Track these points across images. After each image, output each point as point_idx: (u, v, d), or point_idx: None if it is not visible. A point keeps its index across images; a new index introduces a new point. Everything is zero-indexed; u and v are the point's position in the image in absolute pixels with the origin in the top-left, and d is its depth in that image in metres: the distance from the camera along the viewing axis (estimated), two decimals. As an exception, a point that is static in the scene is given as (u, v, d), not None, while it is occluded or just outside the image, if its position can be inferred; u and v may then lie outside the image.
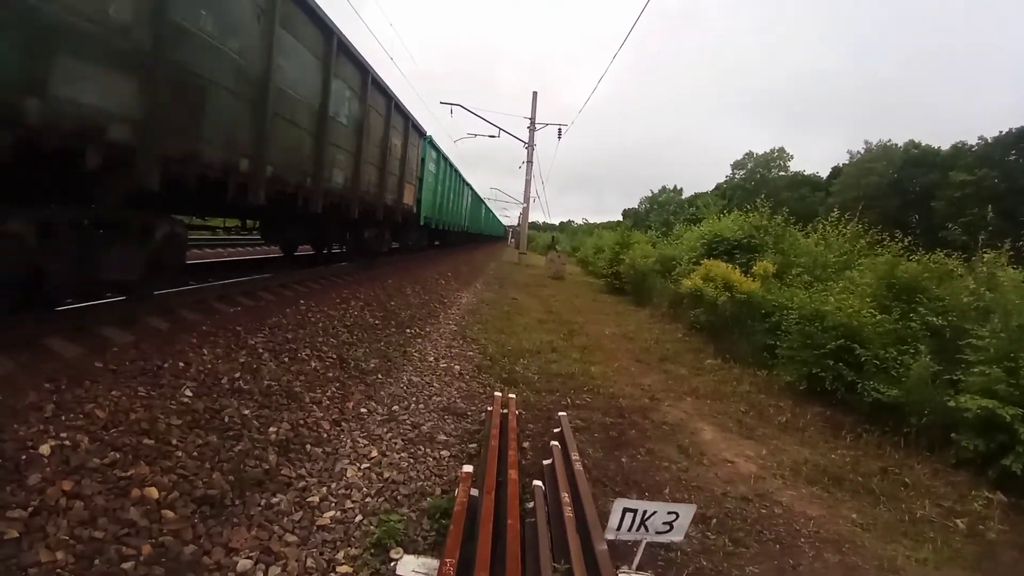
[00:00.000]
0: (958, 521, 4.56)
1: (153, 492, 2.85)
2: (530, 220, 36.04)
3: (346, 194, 8.10)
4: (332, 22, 6.45)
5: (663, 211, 71.04)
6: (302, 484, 3.61)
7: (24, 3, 2.75)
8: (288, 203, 6.37)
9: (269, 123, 5.35)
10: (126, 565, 2.43)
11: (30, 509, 2.41)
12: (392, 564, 2.97)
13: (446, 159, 17.44)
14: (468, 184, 26.20)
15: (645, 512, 3.05)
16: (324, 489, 3.63)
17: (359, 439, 4.47)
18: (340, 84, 7.18)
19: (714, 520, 4.04)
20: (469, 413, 5.55)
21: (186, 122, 4.21)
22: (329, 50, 6.60)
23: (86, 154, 3.27)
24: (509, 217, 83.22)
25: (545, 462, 4.32)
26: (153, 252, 4.64)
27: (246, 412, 4.03)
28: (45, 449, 2.72)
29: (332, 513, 3.38)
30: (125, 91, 3.50)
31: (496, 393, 5.90)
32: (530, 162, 31.77)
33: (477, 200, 35.09)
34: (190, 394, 3.85)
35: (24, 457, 2.63)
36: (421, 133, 13.18)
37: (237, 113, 4.89)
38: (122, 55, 3.43)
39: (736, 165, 79.38)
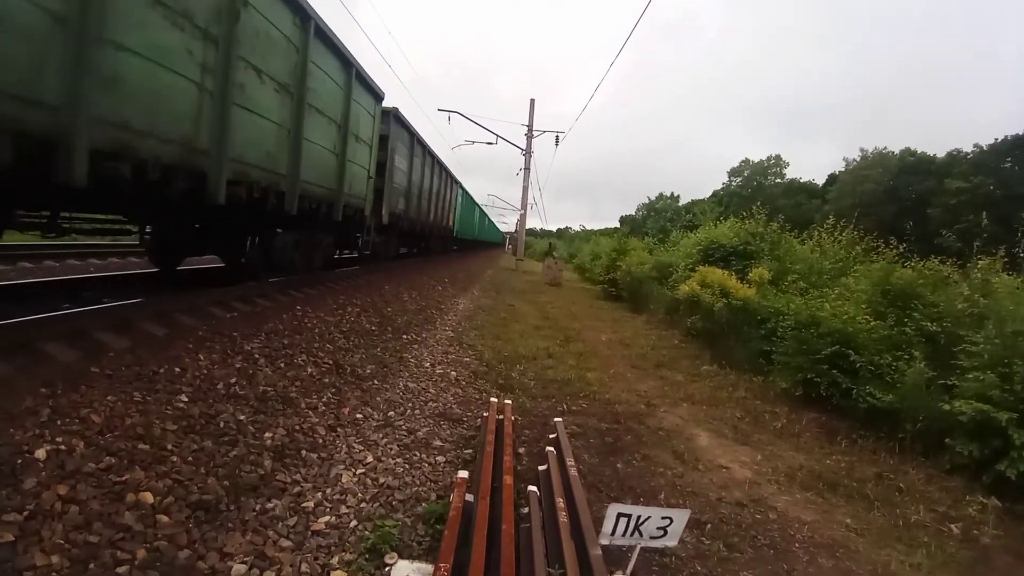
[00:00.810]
0: (952, 526, 4.58)
1: (148, 497, 2.85)
2: (527, 227, 36.10)
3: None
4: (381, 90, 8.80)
5: (660, 218, 71.25)
6: (297, 489, 3.61)
7: None
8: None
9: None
10: (121, 569, 2.43)
11: (25, 513, 2.42)
12: (387, 569, 2.97)
13: (466, 193, 21.05)
14: (477, 204, 29.10)
15: (639, 517, 3.06)
16: (319, 494, 3.62)
17: (355, 444, 4.47)
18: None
19: (709, 525, 4.05)
20: (465, 419, 5.56)
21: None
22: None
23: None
24: (507, 224, 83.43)
25: (540, 468, 4.33)
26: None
27: (242, 417, 4.04)
28: (41, 453, 2.73)
29: (327, 518, 3.37)
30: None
31: (492, 399, 5.90)
32: (527, 169, 31.83)
33: (482, 212, 41.98)
34: (186, 399, 3.86)
35: (20, 461, 2.64)
36: (455, 179, 16.19)
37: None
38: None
39: (733, 172, 79.69)
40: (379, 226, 11.93)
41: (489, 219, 60.03)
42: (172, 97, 4.39)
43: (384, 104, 10.60)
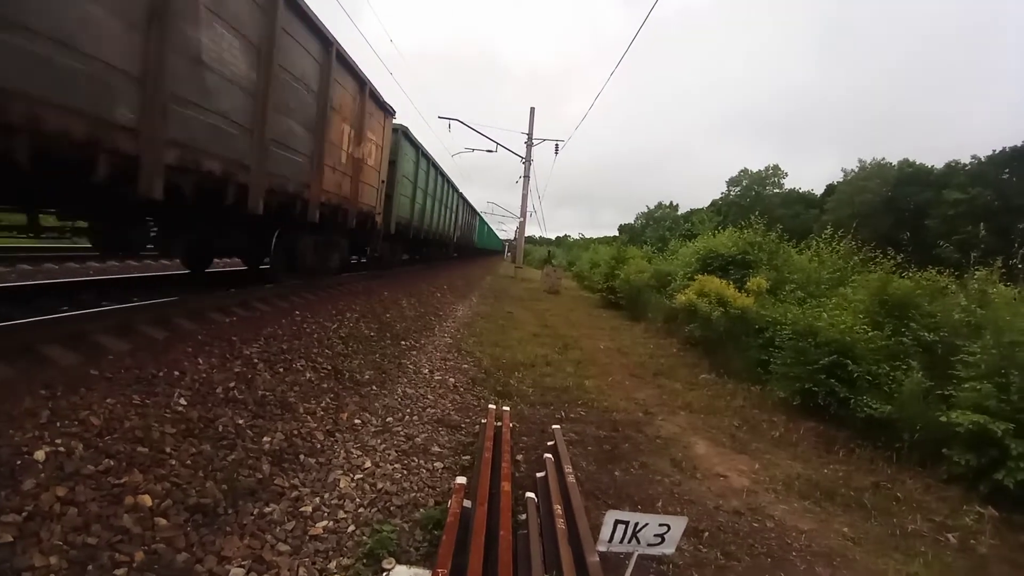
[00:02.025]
0: (949, 535, 4.58)
1: (147, 500, 2.85)
2: (526, 234, 36.17)
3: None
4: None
5: (659, 227, 71.43)
6: (295, 494, 3.62)
7: None
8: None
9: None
10: (119, 571, 2.44)
11: (24, 514, 2.42)
12: (384, 574, 2.97)
13: (473, 209, 23.15)
14: (478, 212, 38.48)
15: (637, 524, 3.06)
16: (317, 499, 3.63)
17: (353, 450, 4.47)
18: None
19: (706, 533, 4.05)
20: (463, 425, 5.56)
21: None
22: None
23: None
24: (506, 231, 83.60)
25: (538, 474, 4.34)
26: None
27: (240, 421, 4.04)
28: (40, 455, 2.74)
29: (325, 523, 3.38)
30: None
31: (490, 406, 5.91)
32: (527, 177, 31.89)
33: (481, 221, 45.14)
34: (184, 403, 3.87)
35: (19, 462, 2.65)
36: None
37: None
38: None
39: (731, 182, 80.00)
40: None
41: (489, 227, 61.04)
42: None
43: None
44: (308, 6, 6.33)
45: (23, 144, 3.19)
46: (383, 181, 11.03)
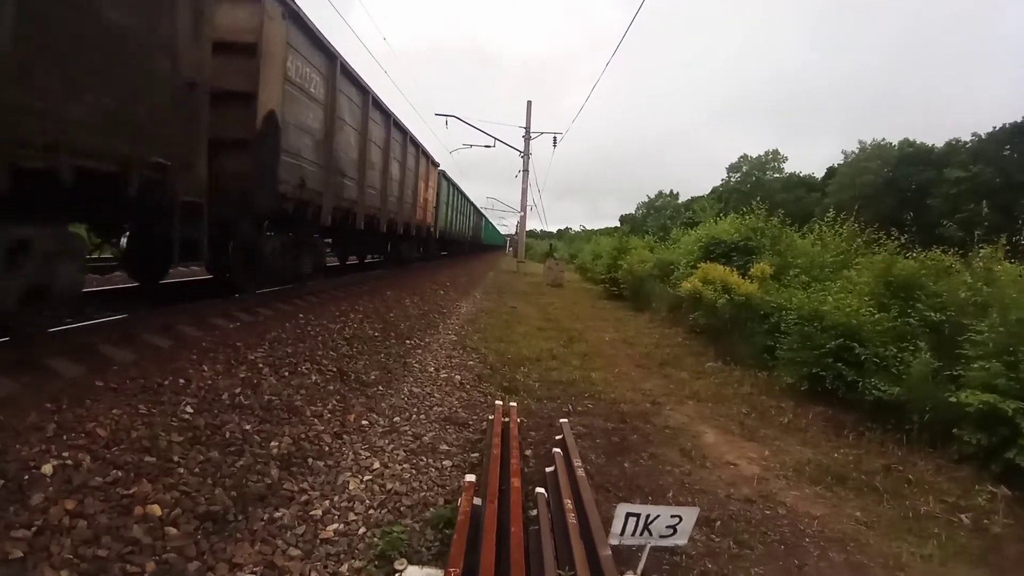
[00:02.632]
0: (962, 516, 4.56)
1: (156, 509, 2.85)
2: (528, 228, 36.16)
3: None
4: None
5: (660, 216, 71.24)
6: (305, 498, 3.61)
7: None
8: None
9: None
10: (130, 583, 2.44)
11: (34, 528, 2.42)
12: (397, 575, 2.97)
13: (480, 212, 29.98)
14: (484, 215, 48.29)
15: (648, 516, 3.05)
16: (327, 502, 3.63)
17: (361, 451, 4.47)
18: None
19: (718, 523, 4.04)
20: (471, 422, 5.55)
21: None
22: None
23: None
24: (507, 226, 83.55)
25: (548, 469, 4.33)
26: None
27: (247, 427, 4.04)
28: (47, 469, 2.73)
29: (335, 526, 3.37)
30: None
31: (497, 402, 5.90)
32: (526, 171, 31.86)
33: (487, 220, 53.30)
34: (191, 410, 3.86)
35: (27, 477, 2.64)
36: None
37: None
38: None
39: (732, 168, 79.59)
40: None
41: (492, 225, 62.19)
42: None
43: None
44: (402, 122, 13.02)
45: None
46: (434, 207, 19.21)
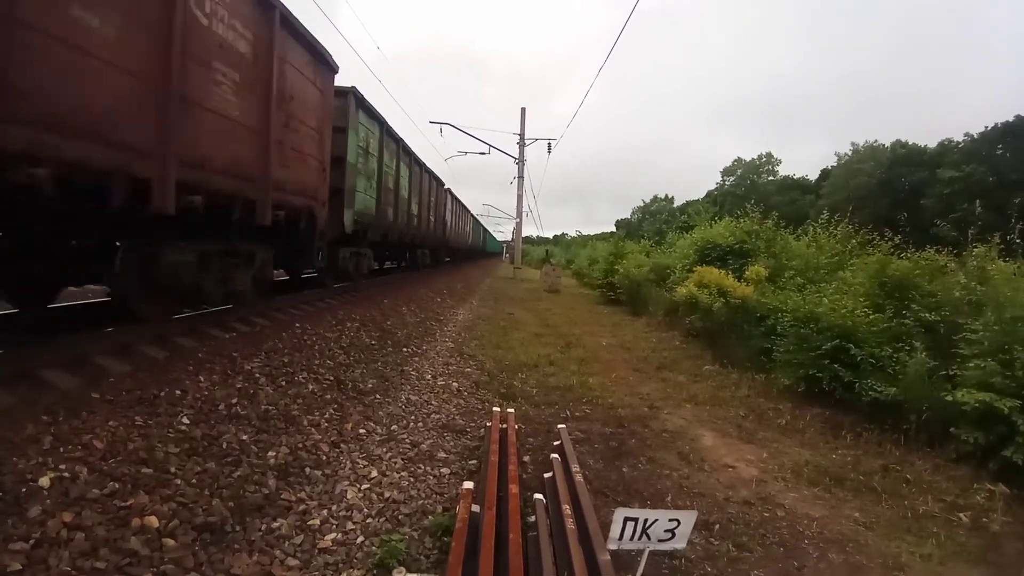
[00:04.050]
0: (961, 515, 4.56)
1: (153, 521, 2.84)
2: (524, 235, 36.23)
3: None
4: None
5: (655, 220, 71.45)
6: (302, 507, 3.60)
7: None
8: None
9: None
10: (128, 595, 2.43)
11: (31, 541, 2.41)
12: (395, 583, 2.96)
13: (483, 226, 35.19)
14: (480, 223, 47.41)
15: (646, 521, 3.04)
16: (325, 512, 3.62)
17: (358, 460, 4.46)
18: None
19: (717, 526, 4.04)
20: (468, 429, 5.55)
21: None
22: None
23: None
24: (503, 232, 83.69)
25: (546, 475, 4.32)
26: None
27: (244, 437, 4.03)
28: (44, 481, 2.73)
29: (333, 535, 3.37)
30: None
31: (495, 408, 5.90)
32: (521, 177, 31.90)
33: (485, 229, 57.61)
34: (187, 421, 3.86)
35: (24, 490, 2.63)
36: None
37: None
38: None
39: (726, 172, 79.89)
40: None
41: (490, 234, 63.65)
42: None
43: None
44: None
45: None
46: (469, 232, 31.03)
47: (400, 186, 14.13)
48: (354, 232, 10.19)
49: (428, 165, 18.32)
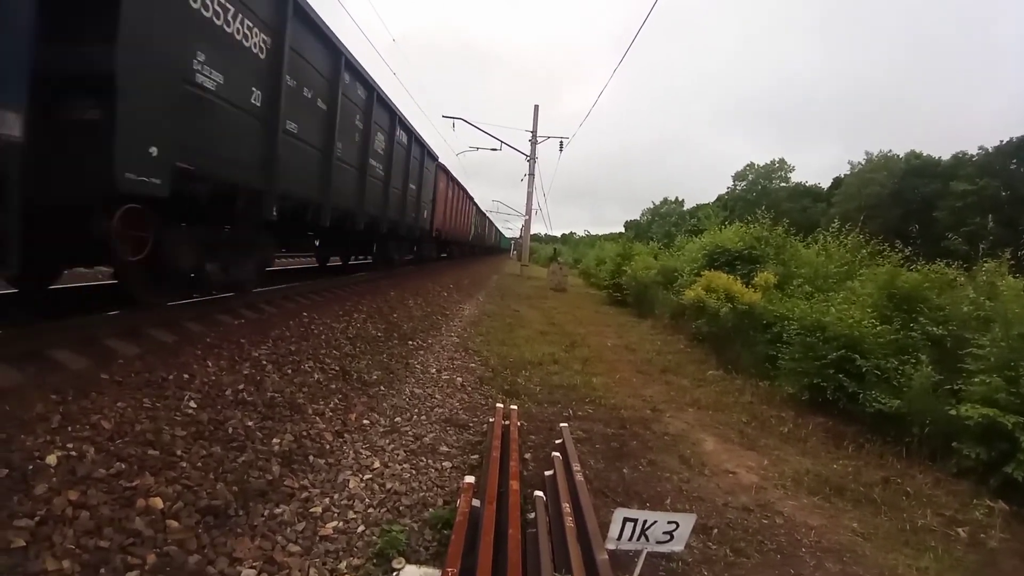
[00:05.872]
0: (959, 530, 4.56)
1: (158, 502, 2.88)
2: (532, 232, 36.19)
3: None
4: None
5: (665, 222, 71.30)
6: (305, 495, 3.63)
7: None
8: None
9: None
10: (131, 574, 2.46)
11: (37, 518, 2.45)
12: (394, 574, 2.99)
13: (496, 227, 40.34)
14: (488, 218, 47.51)
15: (645, 522, 3.06)
16: (327, 500, 3.65)
17: (361, 450, 4.49)
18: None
19: (715, 530, 4.05)
20: (471, 424, 5.57)
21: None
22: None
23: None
24: (511, 229, 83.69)
25: (547, 473, 4.34)
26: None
27: (250, 423, 4.07)
28: (52, 459, 2.76)
29: (335, 523, 3.39)
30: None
31: (498, 405, 5.92)
32: (532, 175, 31.92)
33: (496, 228, 60.73)
34: (194, 405, 3.90)
35: (31, 467, 2.67)
36: (495, 225, 50.79)
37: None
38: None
39: (737, 176, 79.64)
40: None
41: (498, 229, 64.11)
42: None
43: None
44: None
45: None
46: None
47: (487, 228, 21.88)
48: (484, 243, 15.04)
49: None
